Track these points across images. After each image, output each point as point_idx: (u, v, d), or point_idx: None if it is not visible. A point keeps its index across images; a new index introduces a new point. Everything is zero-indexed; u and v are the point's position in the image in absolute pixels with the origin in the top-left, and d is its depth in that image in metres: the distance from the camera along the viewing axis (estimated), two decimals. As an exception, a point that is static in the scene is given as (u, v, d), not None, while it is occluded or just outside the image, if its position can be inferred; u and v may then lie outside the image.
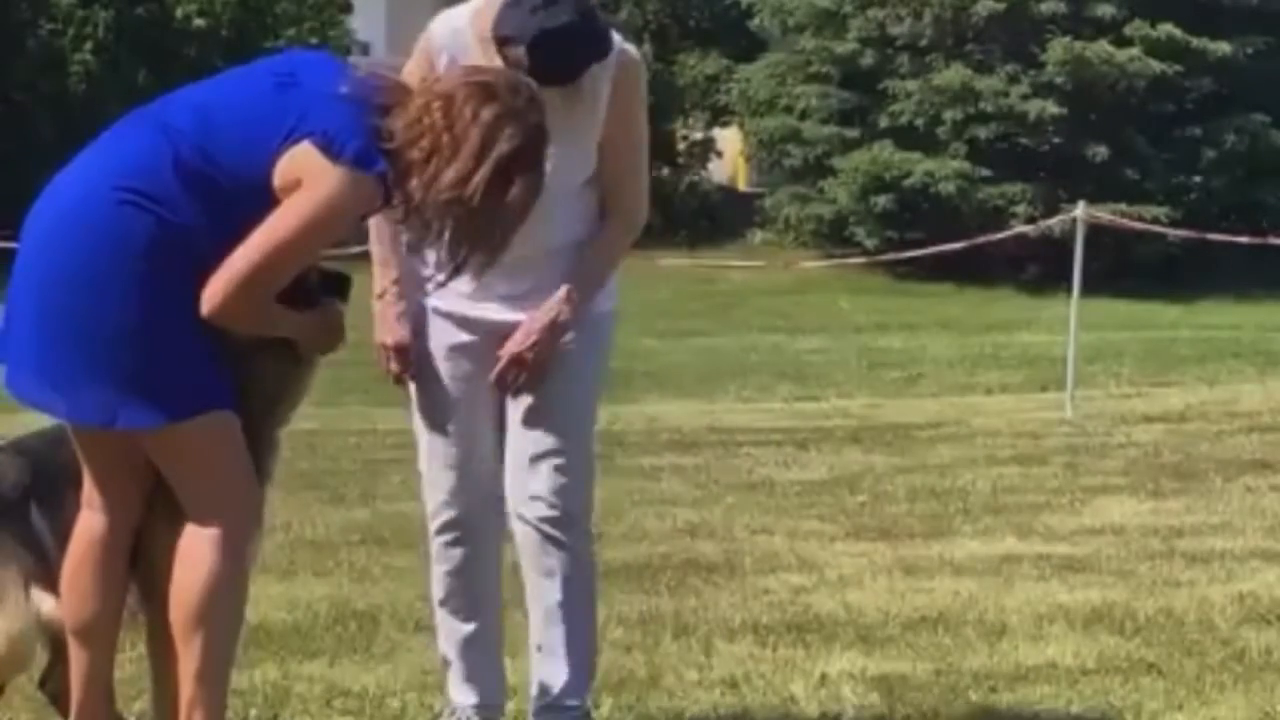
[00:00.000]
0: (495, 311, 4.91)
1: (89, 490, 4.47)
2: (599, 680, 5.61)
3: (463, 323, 4.94)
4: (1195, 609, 6.86)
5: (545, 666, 5.04)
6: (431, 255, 4.58)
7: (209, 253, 4.22)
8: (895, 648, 6.31)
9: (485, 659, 5.14)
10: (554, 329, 4.86)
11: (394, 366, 4.96)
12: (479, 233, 4.32)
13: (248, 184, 4.24)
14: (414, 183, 4.28)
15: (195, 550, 4.33)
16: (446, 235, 4.33)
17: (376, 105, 4.28)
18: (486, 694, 5.14)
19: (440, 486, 5.04)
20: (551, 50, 4.62)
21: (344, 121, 4.24)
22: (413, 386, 5.03)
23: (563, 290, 4.86)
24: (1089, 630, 6.55)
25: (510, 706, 5.45)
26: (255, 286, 4.23)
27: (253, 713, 5.53)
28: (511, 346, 4.86)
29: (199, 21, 34.54)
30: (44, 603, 4.55)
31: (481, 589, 5.09)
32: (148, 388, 4.24)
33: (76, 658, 4.49)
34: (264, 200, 4.24)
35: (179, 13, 34.39)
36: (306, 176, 4.21)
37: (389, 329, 4.93)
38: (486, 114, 4.28)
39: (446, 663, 5.17)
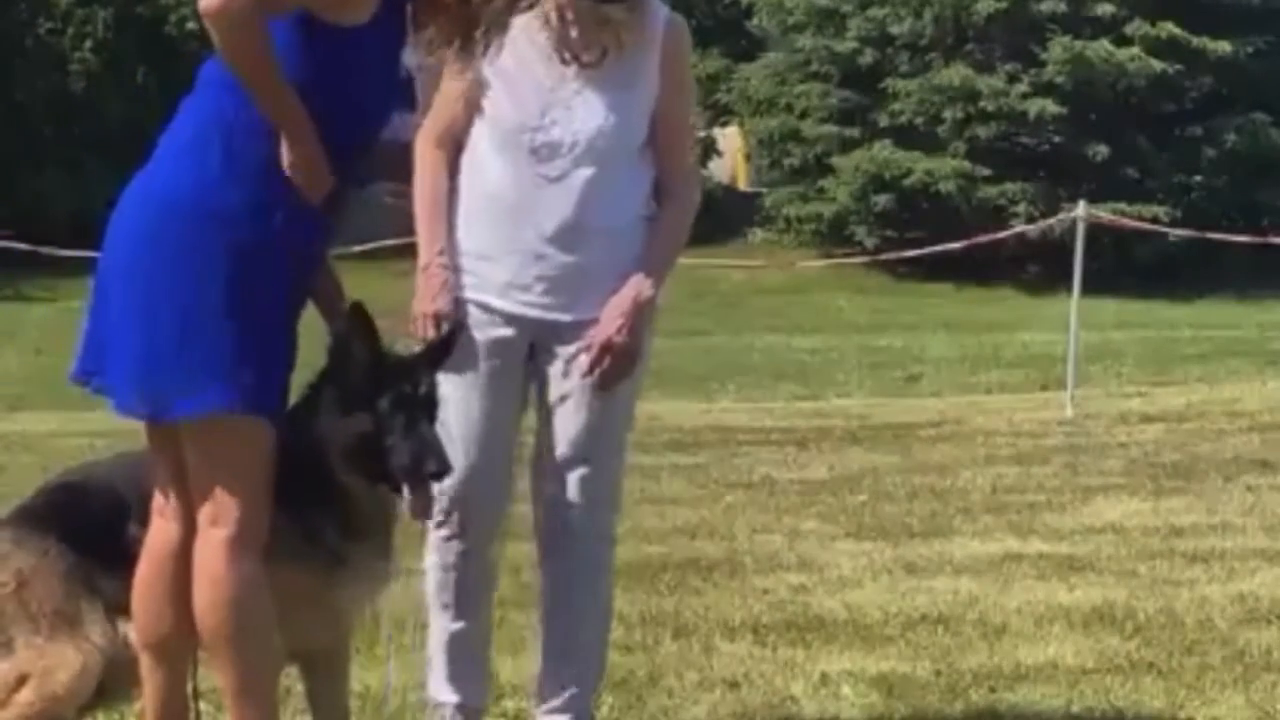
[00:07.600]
0: (537, 307, 4.77)
1: (161, 497, 4.30)
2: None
3: (507, 318, 4.79)
4: (1195, 609, 6.86)
5: (556, 666, 4.96)
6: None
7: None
8: (895, 647, 6.31)
9: (471, 659, 5.00)
10: (640, 307, 4.73)
11: (432, 334, 4.73)
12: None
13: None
14: None
15: (211, 564, 4.21)
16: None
17: None
18: (469, 695, 5.01)
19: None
20: None
21: None
22: None
23: (638, 274, 4.73)
24: (1089, 630, 6.55)
25: (510, 706, 5.45)
26: None
27: (253, 713, 5.52)
28: (600, 334, 4.71)
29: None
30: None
31: (474, 587, 4.96)
32: (207, 372, 4.10)
33: (152, 675, 4.33)
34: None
35: (179, 12, 34.40)
36: None
37: (433, 297, 4.74)
38: None
39: (431, 659, 5.03)
